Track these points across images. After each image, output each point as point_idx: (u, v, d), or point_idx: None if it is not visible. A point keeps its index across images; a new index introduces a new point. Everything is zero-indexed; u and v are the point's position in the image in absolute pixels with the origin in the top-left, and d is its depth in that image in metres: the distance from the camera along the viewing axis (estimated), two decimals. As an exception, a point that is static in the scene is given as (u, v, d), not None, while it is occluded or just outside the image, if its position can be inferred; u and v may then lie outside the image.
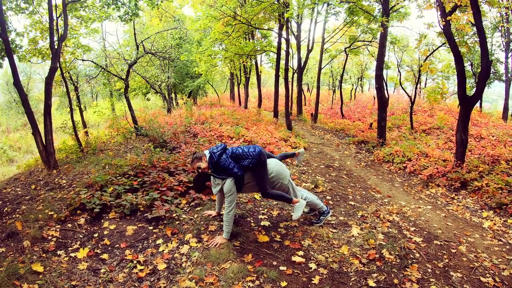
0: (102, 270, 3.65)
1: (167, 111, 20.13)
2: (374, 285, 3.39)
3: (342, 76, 21.27)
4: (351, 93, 28.48)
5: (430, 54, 13.05)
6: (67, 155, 9.69)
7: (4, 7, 8.62)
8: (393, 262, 3.78)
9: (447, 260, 3.99)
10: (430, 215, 5.76)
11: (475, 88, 7.82)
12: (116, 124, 12.63)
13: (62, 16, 9.00)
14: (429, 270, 3.72)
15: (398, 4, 11.89)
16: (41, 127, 7.91)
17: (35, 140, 7.72)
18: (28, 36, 10.02)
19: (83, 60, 12.41)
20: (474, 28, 8.54)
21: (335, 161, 9.32)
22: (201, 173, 4.21)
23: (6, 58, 8.35)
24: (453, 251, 4.28)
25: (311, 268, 3.65)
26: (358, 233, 4.44)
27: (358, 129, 14.60)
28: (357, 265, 3.73)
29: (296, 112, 19.34)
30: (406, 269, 3.68)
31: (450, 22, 7.77)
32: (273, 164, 4.34)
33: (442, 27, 7.85)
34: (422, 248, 4.24)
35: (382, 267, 3.68)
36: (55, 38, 8.60)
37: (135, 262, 3.79)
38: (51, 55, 8.38)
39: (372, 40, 17.70)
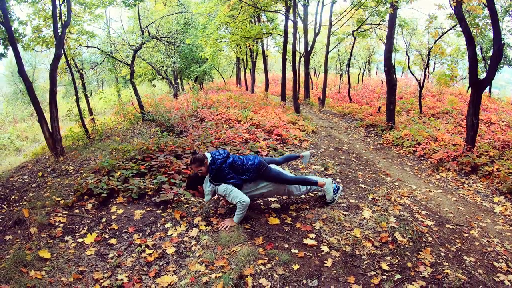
0: (110, 255, 3.59)
1: (173, 96, 20.02)
2: (387, 268, 3.28)
3: (349, 60, 20.86)
4: (358, 77, 28.09)
5: (440, 36, 12.69)
6: (73, 142, 9.66)
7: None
8: (406, 245, 3.67)
9: (459, 244, 3.87)
10: (441, 199, 5.63)
11: (485, 73, 7.58)
12: (122, 110, 12.56)
13: (65, 3, 8.84)
14: (442, 254, 3.61)
15: None
16: (47, 116, 7.85)
17: (41, 128, 7.66)
18: (32, 25, 9.88)
19: (87, 47, 12.28)
20: (486, 11, 8.24)
21: (344, 144, 9.16)
22: (198, 176, 4.17)
23: (10, 48, 8.26)
24: (465, 235, 4.16)
25: (323, 250, 3.55)
26: (370, 216, 4.32)
27: (366, 112, 14.37)
28: (369, 248, 3.62)
29: (304, 96, 19.07)
30: (419, 252, 3.57)
31: (462, 3, 7.48)
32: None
33: (453, 8, 7.56)
34: (435, 232, 4.11)
35: (395, 250, 3.57)
36: (59, 25, 8.47)
37: (143, 246, 3.72)
38: (55, 42, 8.26)
39: (380, 23, 17.30)
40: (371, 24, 17.88)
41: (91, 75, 21.88)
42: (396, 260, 3.39)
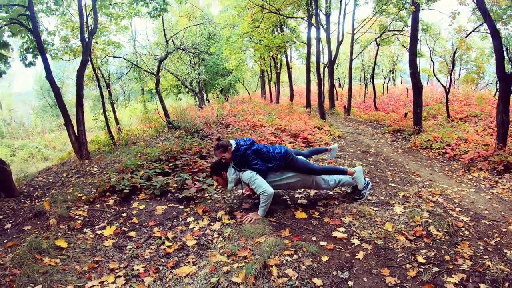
0: (128, 247, 3.45)
1: (199, 107, 20.19)
2: (423, 261, 2.99)
3: (373, 68, 20.54)
4: (383, 87, 27.56)
5: (467, 36, 12.18)
6: (99, 147, 9.75)
7: (35, 8, 8.75)
8: (442, 239, 3.36)
9: (498, 238, 3.53)
10: (475, 197, 5.27)
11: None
12: (148, 119, 12.68)
13: (92, 13, 9.07)
14: (481, 248, 3.29)
15: None
16: (73, 120, 7.95)
17: (68, 131, 7.76)
18: (60, 35, 10.21)
19: (114, 57, 12.55)
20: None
21: (371, 148, 8.84)
22: (222, 162, 4.02)
23: (38, 57, 8.50)
24: (504, 230, 3.81)
25: (353, 243, 3.29)
26: (402, 212, 4.02)
27: (392, 119, 13.96)
28: (403, 241, 3.33)
29: (329, 106, 18.79)
30: (457, 246, 3.26)
31: None
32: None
33: (476, 2, 7.26)
34: (471, 227, 3.78)
35: (431, 244, 3.27)
36: (86, 34, 8.67)
37: (163, 238, 3.57)
38: (82, 49, 8.44)
39: (403, 29, 16.98)
40: (394, 30, 17.58)
41: (118, 88, 22.47)
42: (433, 253, 3.10)
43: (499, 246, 3.35)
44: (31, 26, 7.47)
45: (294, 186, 4.14)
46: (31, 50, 8.39)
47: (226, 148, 3.89)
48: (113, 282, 2.80)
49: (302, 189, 4.87)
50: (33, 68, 9.13)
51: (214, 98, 18.38)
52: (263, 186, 3.67)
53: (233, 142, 3.93)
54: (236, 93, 29.79)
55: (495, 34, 7.01)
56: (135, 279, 2.87)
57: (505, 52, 14.88)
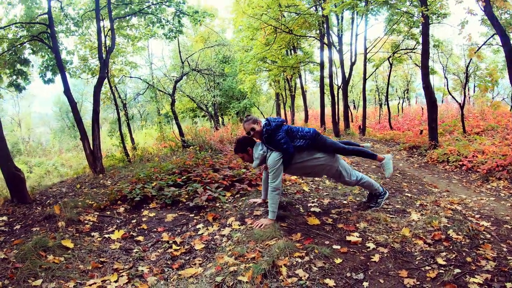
0: (135, 250, 3.38)
1: (214, 128, 20.37)
2: (444, 263, 2.82)
3: (387, 88, 20.42)
4: (398, 107, 27.33)
5: (479, 48, 12.01)
6: (114, 164, 9.84)
7: (56, 28, 9.10)
8: (462, 242, 3.18)
9: None
10: (495, 205, 5.04)
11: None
12: (163, 138, 12.80)
13: (109, 34, 9.39)
14: (504, 249, 3.09)
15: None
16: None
17: (83, 145, 7.88)
18: (78, 54, 10.56)
19: (131, 77, 12.86)
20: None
21: (387, 163, 8.65)
22: (249, 137, 3.88)
23: (57, 75, 8.79)
24: None
25: (369, 247, 3.14)
26: (419, 218, 3.85)
27: (408, 136, 13.70)
28: (421, 245, 3.16)
29: (344, 126, 18.64)
30: (479, 248, 3.07)
31: (490, 2, 7.14)
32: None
33: (483, 9, 7.22)
34: (492, 231, 3.58)
35: (450, 247, 3.09)
36: (103, 52, 8.95)
37: (171, 242, 3.50)
38: (99, 66, 8.69)
39: (415, 47, 16.96)
40: (406, 49, 17.59)
41: (134, 112, 22.87)
42: (453, 256, 2.93)
43: None
44: (51, 44, 7.75)
45: (319, 170, 3.98)
46: (50, 68, 8.68)
47: (256, 121, 3.79)
48: (116, 281, 2.72)
49: (316, 199, 4.74)
50: (52, 91, 9.49)
51: (229, 121, 18.52)
52: (277, 178, 3.58)
53: (263, 120, 3.84)
54: (251, 118, 29.86)
55: (504, 40, 6.91)
56: (138, 279, 2.78)
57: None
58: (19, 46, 8.16)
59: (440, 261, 2.85)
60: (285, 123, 3.83)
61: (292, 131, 3.78)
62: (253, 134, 3.81)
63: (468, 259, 2.87)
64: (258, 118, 3.85)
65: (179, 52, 14.23)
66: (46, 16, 7.91)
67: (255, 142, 3.89)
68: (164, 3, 10.39)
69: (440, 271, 2.71)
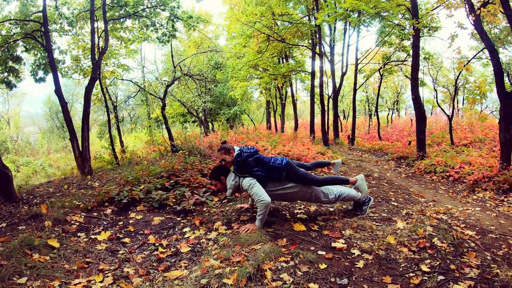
0: (121, 251, 3.38)
1: (204, 134, 20.34)
2: (428, 270, 2.87)
3: (377, 99, 20.69)
4: (387, 118, 27.70)
5: (468, 62, 12.28)
6: (102, 166, 9.77)
7: (50, 27, 9.07)
8: (447, 250, 3.25)
9: (506, 249, 3.40)
10: (480, 215, 5.14)
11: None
12: (152, 142, 12.76)
13: (103, 35, 9.38)
14: (489, 258, 3.17)
15: (427, 13, 11.47)
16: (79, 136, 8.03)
17: (72, 146, 7.83)
18: (71, 54, 10.51)
19: (122, 79, 12.82)
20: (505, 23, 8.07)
21: (374, 172, 8.74)
22: (223, 166, 4.01)
23: (49, 75, 8.73)
24: (511, 242, 3.67)
25: (354, 254, 3.19)
26: (404, 226, 3.92)
27: (396, 147, 13.89)
28: (406, 252, 3.22)
29: (333, 136, 18.82)
30: (463, 256, 3.14)
31: (480, 17, 7.37)
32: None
33: (473, 23, 7.44)
34: (477, 239, 3.66)
35: (435, 255, 3.16)
36: (96, 53, 8.93)
37: (157, 245, 3.50)
38: (92, 67, 8.67)
39: (406, 59, 17.25)
40: (397, 61, 17.88)
41: (125, 115, 22.79)
42: (437, 263, 2.99)
43: (507, 256, 3.22)
44: (44, 42, 7.72)
45: (293, 197, 4.08)
46: (42, 66, 8.63)
47: (228, 151, 3.89)
48: (101, 281, 2.71)
49: (302, 206, 4.79)
50: (43, 90, 9.44)
51: (219, 127, 18.57)
52: (260, 194, 3.61)
53: (237, 148, 3.92)
54: (242, 125, 30.05)
55: (493, 52, 7.11)
56: (124, 280, 2.78)
57: (506, 79, 15.10)
58: (12, 43, 8.13)
59: (424, 268, 2.91)
60: (257, 153, 3.92)
61: (264, 161, 3.86)
62: (224, 164, 3.95)
63: (452, 266, 2.94)
64: (232, 147, 3.95)
65: (172, 56, 14.26)
66: (40, 14, 7.91)
67: (229, 171, 3.99)
68: (159, 7, 10.44)
69: (424, 277, 2.76)
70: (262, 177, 3.77)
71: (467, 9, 7.52)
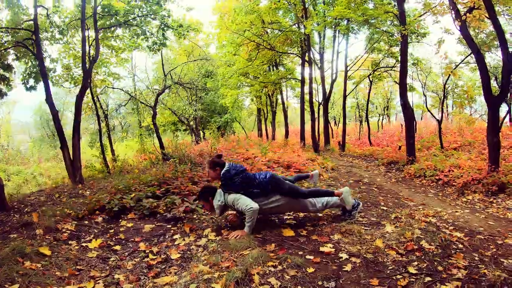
0: (112, 259, 3.42)
1: (195, 142, 20.35)
2: (415, 271, 2.95)
3: (367, 105, 20.96)
4: (378, 124, 27.99)
5: (456, 66, 12.56)
6: (93, 175, 9.75)
7: (41, 35, 9.10)
8: (434, 252, 3.33)
9: (494, 250, 3.49)
10: (469, 217, 5.24)
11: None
12: (143, 150, 12.76)
13: (94, 44, 9.42)
14: (476, 258, 3.25)
15: (415, 19, 11.72)
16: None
17: (63, 155, 7.82)
18: (62, 63, 10.53)
19: (113, 88, 12.84)
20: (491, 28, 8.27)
21: (364, 178, 8.86)
22: (210, 187, 4.18)
23: (40, 83, 8.73)
24: (500, 242, 3.78)
25: (341, 257, 3.25)
26: (393, 230, 4.00)
27: (386, 152, 14.06)
28: (394, 255, 3.30)
29: (324, 142, 18.94)
30: (450, 257, 3.23)
31: (466, 22, 7.57)
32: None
33: (459, 28, 7.64)
34: (465, 241, 3.75)
35: (422, 257, 3.24)
36: (87, 62, 8.96)
37: (147, 252, 3.55)
38: (83, 76, 8.69)
39: (395, 65, 17.52)
40: (386, 67, 18.13)
41: (116, 124, 22.69)
42: (425, 265, 3.07)
43: (495, 257, 3.30)
44: (35, 50, 7.75)
45: (280, 210, 4.19)
46: (33, 75, 8.63)
47: (215, 167, 4.03)
48: (92, 288, 2.76)
49: (292, 212, 4.86)
50: (33, 98, 9.44)
51: (210, 135, 18.65)
52: (247, 203, 3.72)
53: (227, 164, 4.04)
54: (233, 133, 30.08)
55: (478, 56, 7.29)
56: (115, 286, 2.83)
57: (494, 82, 15.39)
58: (3, 51, 8.13)
59: (412, 270, 2.98)
60: (245, 171, 4.05)
61: (250, 179, 3.98)
62: (208, 175, 4.18)
63: (440, 268, 3.01)
64: (220, 164, 4.08)
65: (162, 65, 14.33)
66: (32, 22, 7.93)
67: (216, 192, 4.08)
68: (149, 15, 10.52)
69: (411, 279, 2.84)
70: (248, 194, 3.88)
71: (453, 15, 7.70)
